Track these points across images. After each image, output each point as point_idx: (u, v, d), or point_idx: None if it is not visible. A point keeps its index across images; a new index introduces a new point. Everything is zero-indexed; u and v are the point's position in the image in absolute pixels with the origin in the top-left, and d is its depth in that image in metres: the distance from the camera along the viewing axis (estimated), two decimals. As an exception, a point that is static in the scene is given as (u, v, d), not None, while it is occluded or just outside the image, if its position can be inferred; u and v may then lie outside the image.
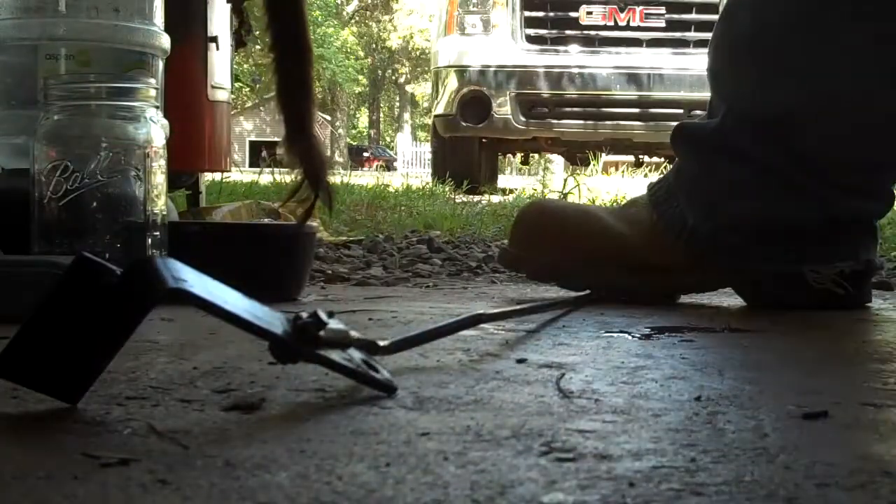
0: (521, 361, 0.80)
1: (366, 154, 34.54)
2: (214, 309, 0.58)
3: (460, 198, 3.98)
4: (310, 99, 1.27)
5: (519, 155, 7.24)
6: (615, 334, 0.99)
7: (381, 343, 0.71)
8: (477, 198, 4.19)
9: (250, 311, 0.60)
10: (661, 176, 1.36)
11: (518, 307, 1.03)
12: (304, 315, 0.62)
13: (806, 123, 1.24)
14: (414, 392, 0.68)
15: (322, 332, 0.62)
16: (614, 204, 2.79)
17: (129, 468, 0.48)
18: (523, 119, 5.63)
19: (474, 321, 0.88)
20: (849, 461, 0.52)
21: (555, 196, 3.77)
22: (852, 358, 0.93)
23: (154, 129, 1.17)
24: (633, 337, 0.98)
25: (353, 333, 0.66)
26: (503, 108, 5.64)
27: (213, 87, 1.87)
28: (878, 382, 0.76)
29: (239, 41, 1.51)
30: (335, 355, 0.63)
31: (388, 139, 42.60)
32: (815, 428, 0.59)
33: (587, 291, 1.28)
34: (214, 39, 1.91)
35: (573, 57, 5.51)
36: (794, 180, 1.25)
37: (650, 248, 1.29)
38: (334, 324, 0.64)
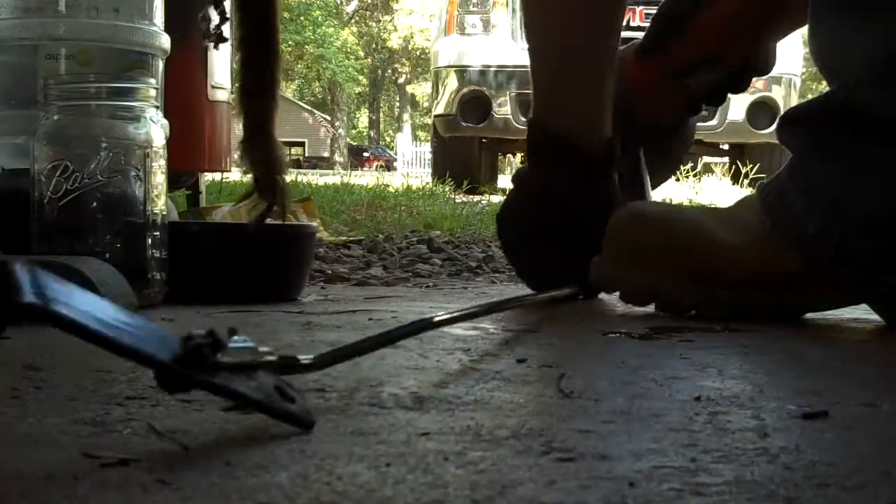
0: (521, 361, 0.80)
1: (366, 154, 34.55)
2: (81, 330, 0.49)
3: (460, 198, 3.98)
4: (273, 101, 1.26)
5: (519, 155, 7.24)
6: (615, 334, 0.98)
7: (304, 359, 0.61)
8: (477, 198, 4.20)
9: (131, 331, 0.51)
10: (774, 174, 1.15)
11: (474, 308, 0.90)
12: (198, 334, 0.52)
13: None
14: (414, 392, 0.68)
15: (221, 354, 0.53)
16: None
17: (129, 468, 0.48)
18: (523, 119, 5.62)
19: (421, 328, 0.78)
20: (849, 461, 0.52)
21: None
22: (852, 358, 0.93)
23: (154, 129, 1.17)
24: (633, 337, 0.98)
25: (265, 351, 0.57)
26: (503, 108, 5.64)
27: (213, 87, 1.87)
28: (879, 382, 0.76)
29: (220, 37, 1.51)
30: (239, 382, 0.54)
31: (388, 139, 42.61)
32: (815, 428, 0.59)
33: (574, 290, 1.19)
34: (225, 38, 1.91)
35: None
36: None
37: (764, 261, 1.10)
38: (239, 342, 0.54)
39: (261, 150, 1.25)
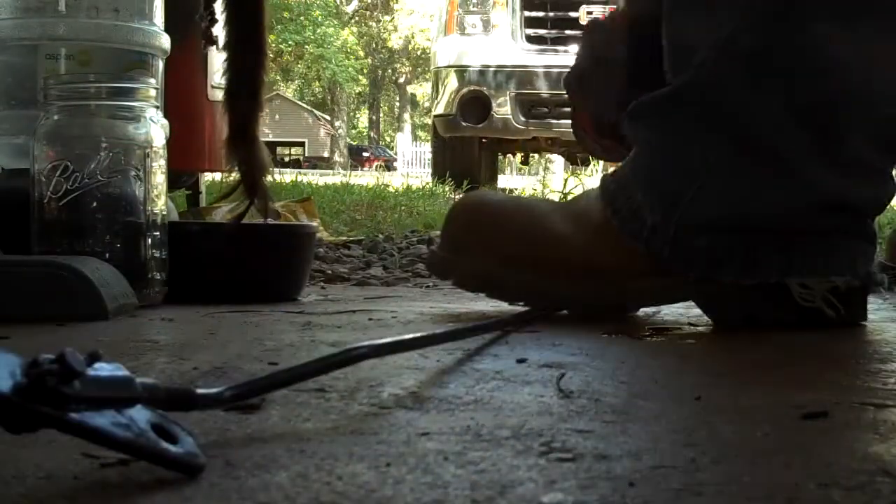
0: (521, 361, 0.80)
1: (366, 154, 34.54)
2: None
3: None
4: (258, 103, 1.26)
5: (519, 155, 7.24)
6: (615, 334, 0.98)
7: (202, 391, 0.53)
8: (477, 198, 4.18)
9: None
10: (619, 165, 1.14)
11: (411, 336, 0.79)
12: (46, 359, 0.43)
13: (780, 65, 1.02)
14: (414, 392, 0.68)
15: (77, 384, 0.43)
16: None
17: (128, 468, 0.48)
18: (523, 119, 5.64)
19: (353, 359, 0.67)
20: (849, 461, 0.52)
21: (555, 196, 3.76)
22: (852, 358, 0.93)
23: (154, 129, 1.17)
24: (632, 337, 0.97)
25: (148, 384, 0.48)
26: (503, 108, 5.64)
27: (213, 87, 1.87)
28: (878, 382, 0.76)
29: (209, 38, 1.51)
30: (102, 419, 0.45)
31: (388, 139, 42.62)
32: (815, 428, 0.59)
33: (522, 308, 1.11)
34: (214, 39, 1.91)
35: (573, 57, 5.51)
36: (772, 151, 1.03)
37: (599, 252, 1.09)
38: (103, 369, 0.45)
39: (244, 150, 1.25)
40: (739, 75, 1.04)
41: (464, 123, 5.73)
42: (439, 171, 5.92)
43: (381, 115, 43.19)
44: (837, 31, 1.02)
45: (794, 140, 1.03)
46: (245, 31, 1.26)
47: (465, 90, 5.72)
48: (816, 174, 1.04)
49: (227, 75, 1.26)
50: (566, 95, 1.37)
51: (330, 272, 1.66)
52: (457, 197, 4.02)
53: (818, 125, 1.03)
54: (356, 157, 31.69)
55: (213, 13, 1.46)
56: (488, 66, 5.70)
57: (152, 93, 1.19)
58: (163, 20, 1.35)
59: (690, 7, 1.08)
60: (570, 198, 1.24)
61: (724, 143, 1.05)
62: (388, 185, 4.39)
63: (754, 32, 1.03)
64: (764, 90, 1.03)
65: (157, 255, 1.18)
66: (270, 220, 1.33)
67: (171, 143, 1.22)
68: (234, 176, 1.26)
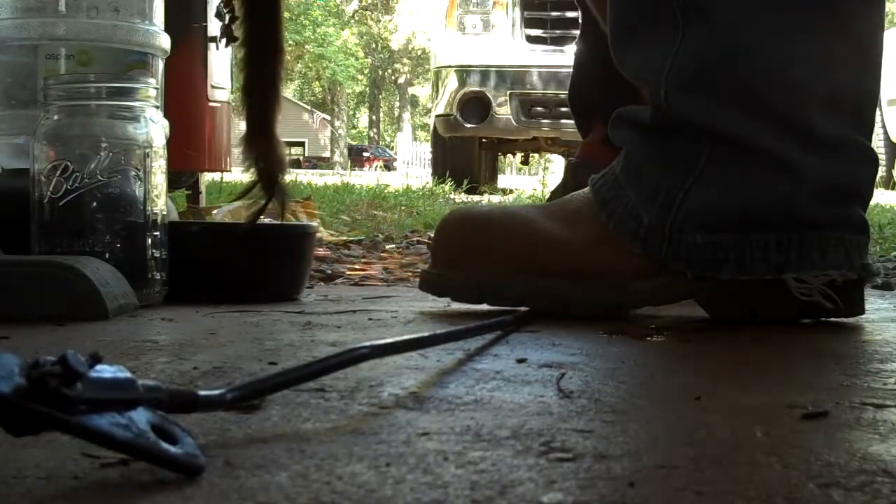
0: (521, 361, 0.80)
1: (366, 154, 34.53)
2: None
3: (460, 198, 3.99)
4: (276, 99, 1.25)
5: (519, 155, 7.25)
6: (615, 334, 0.98)
7: (204, 393, 0.53)
8: (477, 198, 4.20)
9: None
10: (605, 168, 1.16)
11: (412, 337, 0.79)
12: (47, 360, 0.44)
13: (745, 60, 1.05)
14: (414, 392, 0.68)
15: (80, 386, 0.44)
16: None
17: (128, 468, 0.48)
18: (523, 119, 5.64)
19: (354, 359, 0.66)
20: (849, 461, 0.52)
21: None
22: (852, 358, 0.93)
23: (154, 129, 1.17)
24: (632, 337, 0.97)
25: (150, 386, 0.48)
26: (503, 108, 5.65)
27: (213, 87, 1.87)
28: (878, 382, 0.75)
29: (230, 36, 1.51)
30: (103, 420, 0.45)
31: (388, 139, 42.61)
32: (815, 428, 0.59)
33: (523, 309, 1.10)
34: (214, 39, 1.91)
35: (573, 57, 5.51)
36: (752, 148, 1.06)
37: (597, 254, 1.11)
38: (105, 371, 0.46)
39: (262, 148, 1.25)
40: (694, 97, 1.07)
41: (464, 124, 5.74)
42: (439, 171, 5.93)
43: (381, 115, 43.19)
44: (746, 21, 1.05)
45: (766, 133, 1.06)
46: (262, 28, 1.26)
47: (465, 90, 5.73)
48: (796, 160, 1.05)
49: (245, 72, 1.25)
50: (566, 94, 1.38)
51: (330, 272, 1.66)
52: (457, 197, 4.02)
53: (777, 114, 1.06)
54: (356, 157, 31.68)
55: (233, 10, 1.45)
56: (488, 66, 5.71)
57: (152, 93, 1.19)
58: (163, 20, 1.35)
59: (626, 44, 1.12)
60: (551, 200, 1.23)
61: (708, 146, 1.07)
62: (388, 185, 4.40)
63: (686, 55, 1.06)
64: (719, 98, 1.06)
65: (157, 255, 1.18)
66: (268, 219, 1.32)
67: (171, 143, 1.22)
68: (251, 174, 1.25)
